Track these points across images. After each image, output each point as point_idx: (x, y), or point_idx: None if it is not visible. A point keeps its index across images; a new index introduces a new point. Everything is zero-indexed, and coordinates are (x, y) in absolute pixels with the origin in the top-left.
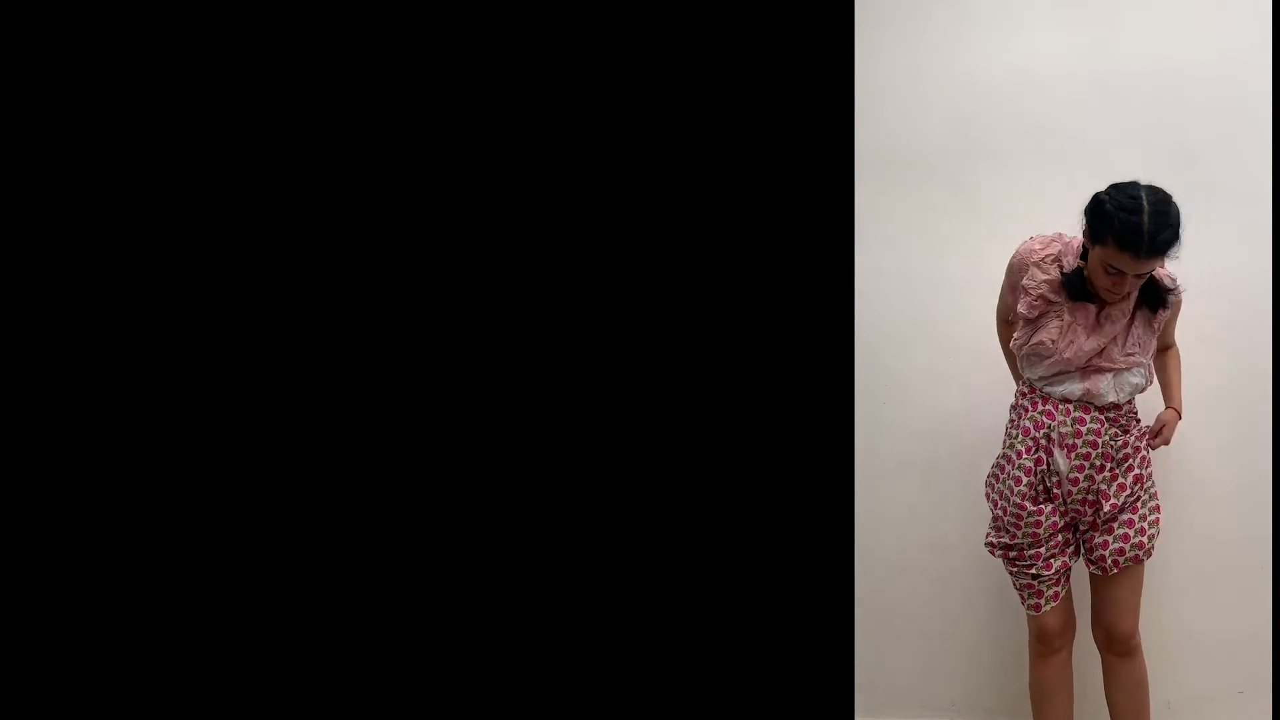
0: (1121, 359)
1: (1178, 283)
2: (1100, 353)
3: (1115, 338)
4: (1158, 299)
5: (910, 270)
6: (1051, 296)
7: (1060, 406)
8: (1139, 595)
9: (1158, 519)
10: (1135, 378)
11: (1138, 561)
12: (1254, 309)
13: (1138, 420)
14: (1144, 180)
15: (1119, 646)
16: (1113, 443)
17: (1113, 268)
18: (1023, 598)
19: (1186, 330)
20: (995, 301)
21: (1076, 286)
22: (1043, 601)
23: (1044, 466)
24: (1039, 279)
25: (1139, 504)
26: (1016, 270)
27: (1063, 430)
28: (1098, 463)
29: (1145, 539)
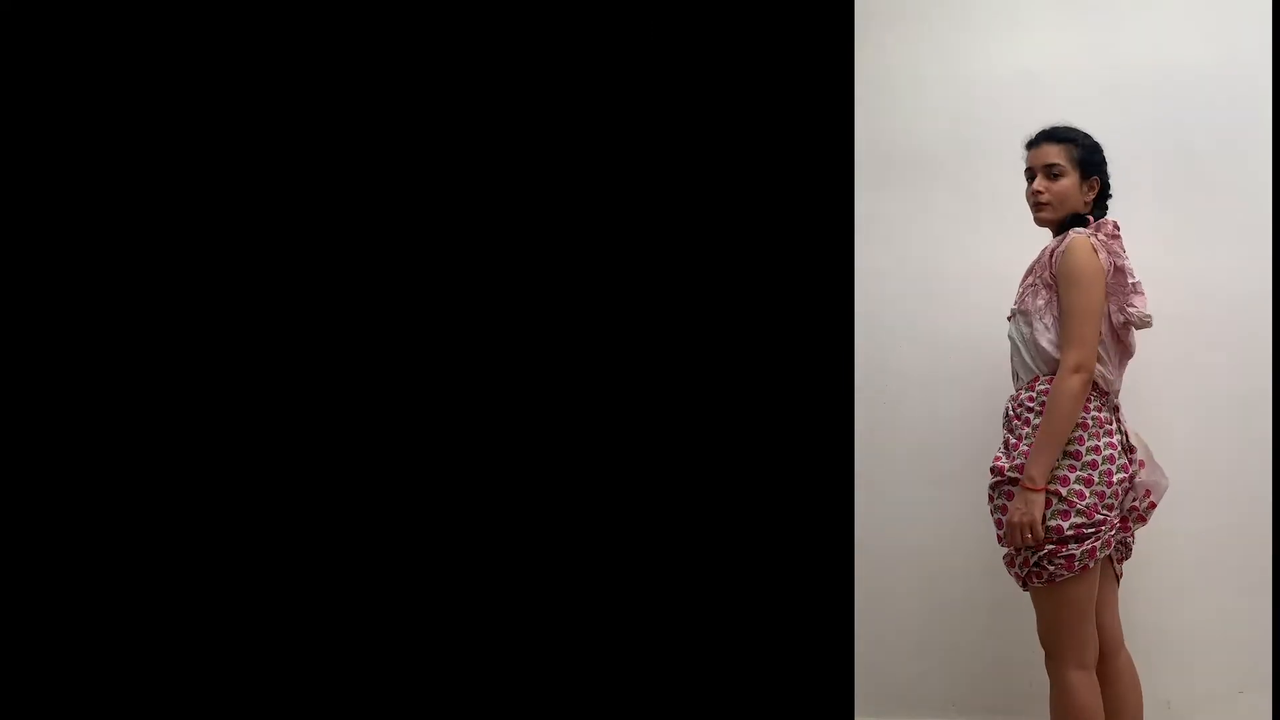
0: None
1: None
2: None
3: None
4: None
5: (910, 270)
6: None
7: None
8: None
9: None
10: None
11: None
12: (1254, 309)
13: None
14: (1143, 180)
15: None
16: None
17: (1028, 171)
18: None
19: (1187, 330)
20: (994, 300)
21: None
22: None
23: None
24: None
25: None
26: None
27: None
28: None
29: (1047, 567)
